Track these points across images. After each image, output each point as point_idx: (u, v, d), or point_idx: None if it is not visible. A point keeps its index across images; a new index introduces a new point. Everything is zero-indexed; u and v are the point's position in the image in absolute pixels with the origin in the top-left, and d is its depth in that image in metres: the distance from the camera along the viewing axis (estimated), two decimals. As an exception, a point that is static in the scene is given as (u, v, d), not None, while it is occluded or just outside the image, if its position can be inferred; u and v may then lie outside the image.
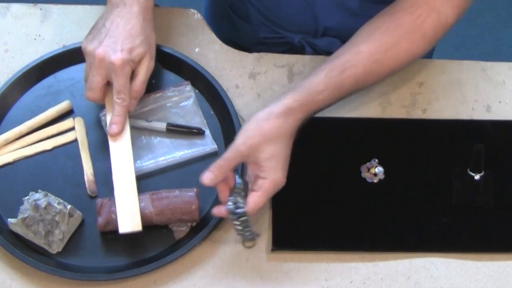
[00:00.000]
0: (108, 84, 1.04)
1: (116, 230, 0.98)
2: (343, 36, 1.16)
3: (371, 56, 0.99)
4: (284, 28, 1.23)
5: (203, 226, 1.00)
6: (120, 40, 1.01)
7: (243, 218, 0.95)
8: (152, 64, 1.05)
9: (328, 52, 1.21)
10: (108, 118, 1.04)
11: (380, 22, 1.02)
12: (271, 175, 0.92)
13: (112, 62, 0.99)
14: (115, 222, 0.98)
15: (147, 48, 1.03)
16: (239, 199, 0.95)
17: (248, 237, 0.99)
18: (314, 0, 1.16)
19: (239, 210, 0.95)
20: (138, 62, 1.02)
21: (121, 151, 1.02)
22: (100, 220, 0.99)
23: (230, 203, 0.95)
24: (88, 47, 1.02)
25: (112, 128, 1.01)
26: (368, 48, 0.99)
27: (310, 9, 1.18)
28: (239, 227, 0.96)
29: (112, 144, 1.02)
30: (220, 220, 1.01)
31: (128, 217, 0.98)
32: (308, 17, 1.19)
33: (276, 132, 0.93)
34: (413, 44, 1.01)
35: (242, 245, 1.01)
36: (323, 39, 1.22)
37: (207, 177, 0.94)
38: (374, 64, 0.99)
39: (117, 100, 1.01)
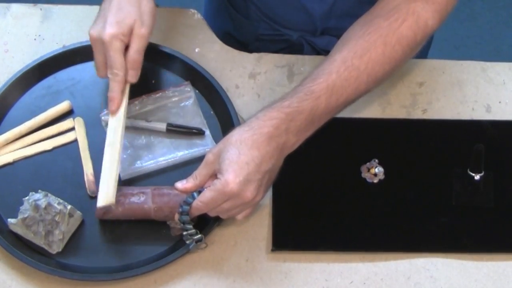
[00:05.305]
0: None
1: (116, 221, 1.00)
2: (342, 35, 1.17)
3: (345, 63, 0.97)
4: (283, 25, 1.23)
5: (202, 226, 1.00)
6: (108, 15, 1.01)
7: (185, 217, 0.96)
8: (144, 31, 1.02)
9: (326, 50, 1.21)
10: None
11: (357, 29, 1.00)
12: (223, 175, 0.92)
13: (102, 40, 1.00)
14: (113, 212, 0.99)
15: (136, 16, 1.01)
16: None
17: (188, 238, 0.98)
18: (307, 5, 1.17)
19: (184, 207, 0.95)
20: (129, 33, 1.01)
21: (113, 127, 1.02)
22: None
23: (184, 202, 0.96)
24: (89, 32, 1.03)
25: (109, 105, 1.02)
26: (342, 55, 0.98)
27: (306, 11, 1.18)
28: (181, 225, 0.97)
29: (109, 120, 1.03)
30: (220, 221, 1.01)
31: (104, 192, 0.98)
32: (305, 18, 1.20)
33: (236, 138, 0.93)
34: (389, 47, 0.98)
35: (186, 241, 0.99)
36: (322, 38, 1.22)
37: (180, 182, 0.96)
38: (349, 70, 0.97)
39: (109, 76, 1.01)
